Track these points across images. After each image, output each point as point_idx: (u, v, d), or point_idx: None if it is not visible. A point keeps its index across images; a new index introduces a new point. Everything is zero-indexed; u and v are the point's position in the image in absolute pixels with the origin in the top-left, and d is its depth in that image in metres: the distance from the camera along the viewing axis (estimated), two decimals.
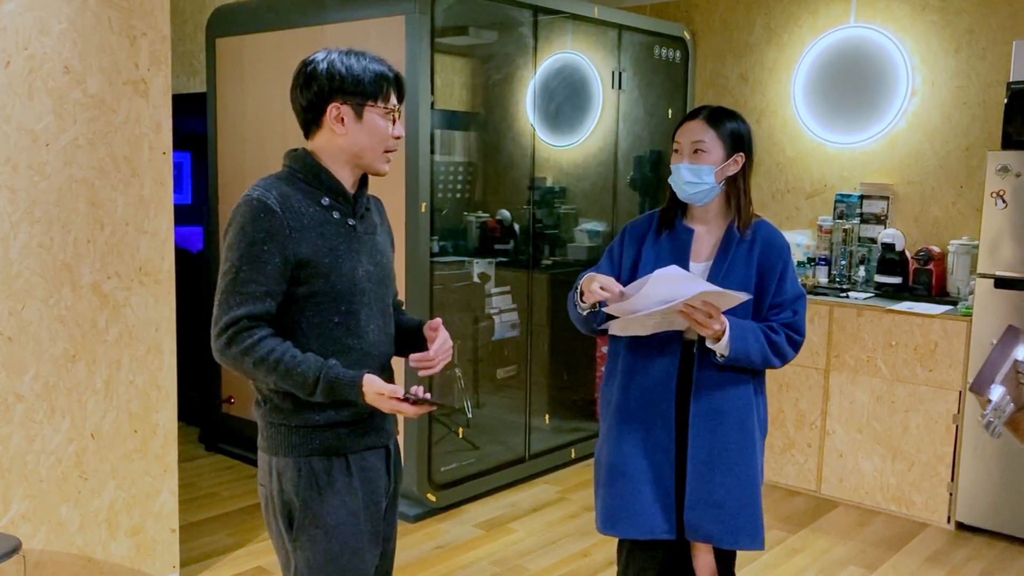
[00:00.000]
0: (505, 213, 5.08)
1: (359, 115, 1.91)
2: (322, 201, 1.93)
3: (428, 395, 1.89)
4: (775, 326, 2.27)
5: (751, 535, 2.31)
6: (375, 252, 2.01)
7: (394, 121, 1.95)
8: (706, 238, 2.33)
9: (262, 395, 1.98)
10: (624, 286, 2.24)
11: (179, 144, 4.52)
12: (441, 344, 2.02)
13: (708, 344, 2.21)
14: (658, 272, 2.12)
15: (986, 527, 4.00)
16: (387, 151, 1.96)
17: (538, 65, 4.57)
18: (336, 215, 1.94)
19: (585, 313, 2.29)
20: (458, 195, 5.10)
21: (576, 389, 5.19)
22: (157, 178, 3.14)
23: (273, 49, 4.41)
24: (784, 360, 2.29)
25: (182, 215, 4.88)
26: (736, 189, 2.32)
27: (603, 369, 2.48)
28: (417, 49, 3.78)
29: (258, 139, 4.54)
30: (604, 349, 5.22)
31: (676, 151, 2.31)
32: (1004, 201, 3.88)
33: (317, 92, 1.91)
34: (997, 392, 1.00)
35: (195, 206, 5.74)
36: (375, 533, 2.00)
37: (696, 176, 2.25)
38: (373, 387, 1.84)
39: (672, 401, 2.30)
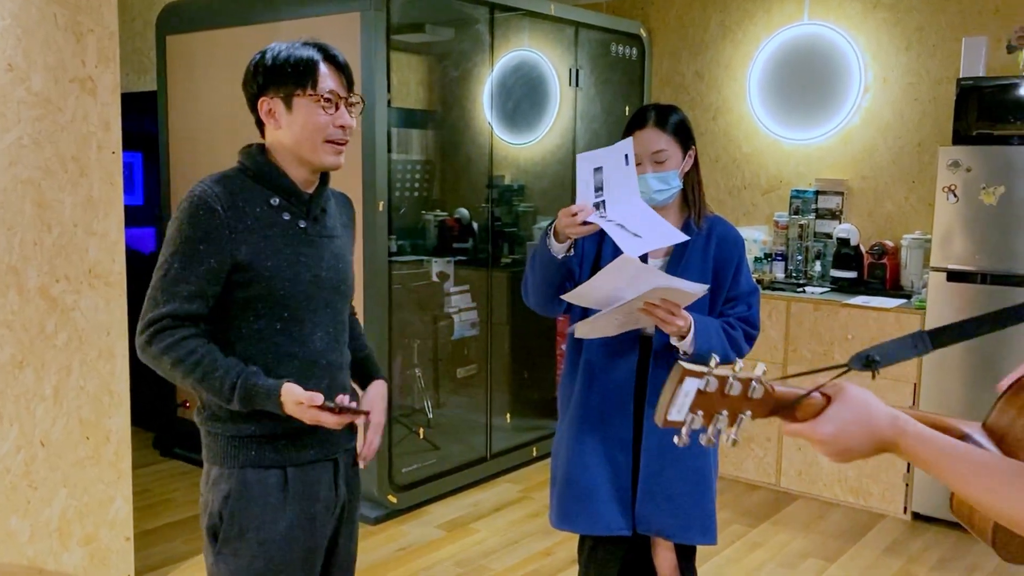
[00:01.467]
0: (463, 211, 5.05)
1: (288, 107, 1.81)
2: (271, 201, 1.83)
3: (353, 403, 1.77)
4: (732, 321, 2.27)
5: (702, 529, 2.32)
6: (329, 257, 1.90)
7: (336, 108, 1.82)
8: None
9: (200, 400, 1.89)
10: (585, 279, 2.21)
11: (130, 144, 4.42)
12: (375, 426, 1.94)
13: (673, 342, 2.21)
14: (615, 262, 2.10)
15: (941, 517, 4.07)
16: (329, 141, 1.82)
17: (495, 62, 4.55)
18: (286, 216, 1.84)
19: (561, 256, 2.15)
20: (416, 194, 5.06)
21: (537, 387, 5.18)
22: (106, 178, 3.06)
23: (226, 46, 4.33)
24: (741, 355, 2.29)
25: (134, 216, 4.78)
26: (691, 181, 2.32)
27: (562, 365, 2.46)
28: (373, 46, 3.74)
29: (211, 138, 4.46)
30: (564, 347, 5.22)
31: (636, 163, 2.25)
32: (955, 196, 3.94)
33: (250, 88, 1.86)
34: (689, 417, 1.11)
35: (147, 207, 5.62)
36: (309, 552, 1.88)
37: (664, 183, 2.24)
38: (292, 396, 1.72)
39: (631, 398, 2.29)
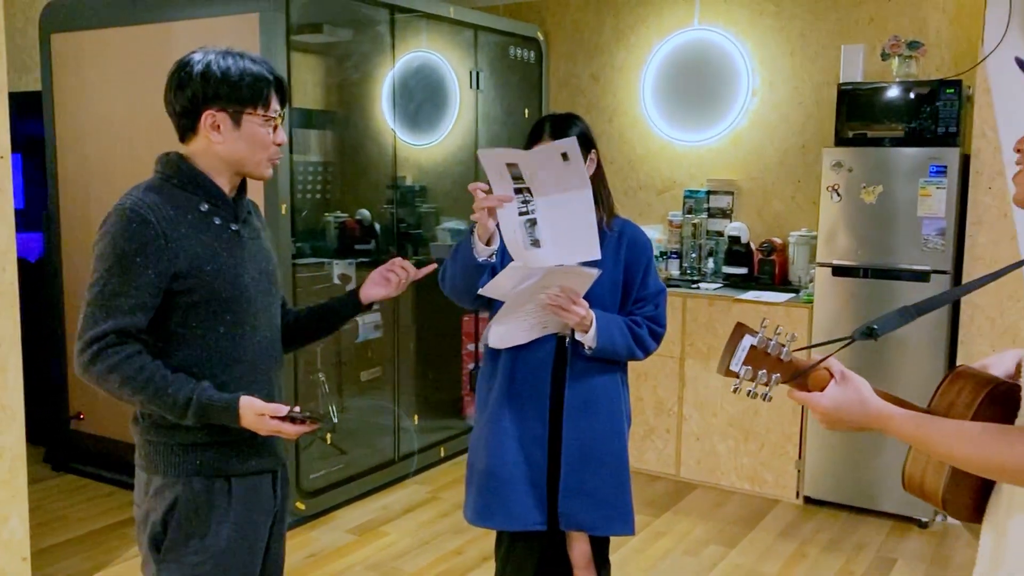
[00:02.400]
0: (365, 213, 5.03)
1: (236, 123, 1.82)
2: (200, 207, 1.84)
3: (308, 414, 1.79)
4: (639, 319, 2.37)
5: (623, 521, 2.41)
6: (260, 258, 1.94)
7: (275, 128, 1.87)
8: None
9: (137, 409, 1.88)
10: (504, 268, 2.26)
11: (10, 146, 4.24)
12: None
13: (577, 336, 2.28)
14: (504, 271, 2.17)
15: (831, 500, 4.30)
16: (269, 158, 1.89)
17: (395, 64, 4.55)
18: (217, 220, 1.86)
19: (481, 259, 2.21)
20: (317, 195, 5.00)
21: (444, 388, 5.20)
22: None
23: (117, 46, 4.19)
24: (647, 352, 2.39)
25: (16, 221, 4.58)
26: (596, 184, 2.40)
27: (480, 367, 2.50)
28: (272, 47, 3.69)
29: (101, 140, 4.31)
30: (470, 347, 5.26)
31: None
32: (839, 195, 4.17)
33: (191, 98, 1.81)
34: (742, 370, 1.34)
35: (29, 211, 5.39)
36: (251, 557, 1.93)
37: None
38: (253, 408, 1.76)
39: (547, 395, 2.36)
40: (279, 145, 1.89)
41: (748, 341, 1.34)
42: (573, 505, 2.36)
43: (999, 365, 1.53)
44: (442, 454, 4.87)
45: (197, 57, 1.82)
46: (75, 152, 4.43)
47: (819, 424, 1.40)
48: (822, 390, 1.36)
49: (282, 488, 2.04)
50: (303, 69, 4.68)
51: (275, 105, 1.86)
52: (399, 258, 2.09)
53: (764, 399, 1.37)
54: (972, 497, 1.42)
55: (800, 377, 1.36)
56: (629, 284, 2.39)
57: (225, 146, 1.83)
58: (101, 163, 4.32)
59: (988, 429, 1.29)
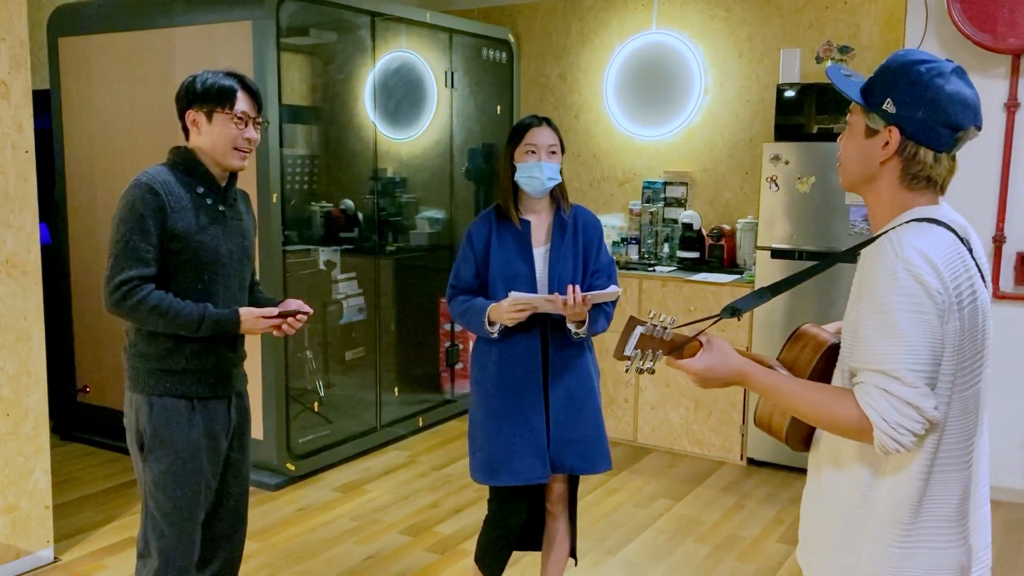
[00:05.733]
0: (349, 203, 5.43)
1: (209, 119, 2.39)
2: (197, 189, 2.41)
3: (294, 307, 2.44)
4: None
5: (603, 460, 2.85)
6: (238, 235, 2.50)
7: (246, 125, 2.41)
8: (540, 226, 2.82)
9: (129, 341, 2.43)
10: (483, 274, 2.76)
11: None
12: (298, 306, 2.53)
13: (571, 327, 2.73)
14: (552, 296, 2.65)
15: (771, 461, 4.76)
16: (237, 148, 2.41)
17: (376, 65, 4.95)
18: (209, 201, 2.42)
19: (495, 335, 2.72)
20: (304, 186, 5.39)
21: (422, 364, 5.62)
22: (21, 175, 3.33)
23: (121, 50, 4.57)
24: (609, 318, 2.84)
25: None
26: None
27: (473, 347, 2.91)
28: (264, 51, 4.09)
29: (106, 136, 4.70)
30: (446, 327, 5.68)
31: (532, 152, 2.73)
32: (776, 185, 4.61)
33: (179, 103, 2.43)
34: (634, 353, 1.63)
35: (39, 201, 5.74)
36: (213, 462, 2.47)
37: (553, 173, 2.76)
38: (251, 314, 2.39)
39: (539, 367, 2.77)
40: (248, 140, 2.42)
41: (639, 330, 1.62)
42: (563, 453, 2.78)
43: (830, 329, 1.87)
44: (420, 424, 5.30)
45: (193, 75, 2.42)
46: (81, 146, 4.82)
47: (694, 384, 1.67)
48: None
49: (239, 412, 2.56)
50: (289, 66, 5.08)
51: (242, 107, 2.40)
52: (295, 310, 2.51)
53: (650, 372, 1.67)
54: (805, 433, 1.77)
55: (678, 349, 1.66)
56: (587, 258, 2.83)
57: (204, 138, 2.40)
58: (105, 156, 4.71)
59: (824, 392, 1.57)
